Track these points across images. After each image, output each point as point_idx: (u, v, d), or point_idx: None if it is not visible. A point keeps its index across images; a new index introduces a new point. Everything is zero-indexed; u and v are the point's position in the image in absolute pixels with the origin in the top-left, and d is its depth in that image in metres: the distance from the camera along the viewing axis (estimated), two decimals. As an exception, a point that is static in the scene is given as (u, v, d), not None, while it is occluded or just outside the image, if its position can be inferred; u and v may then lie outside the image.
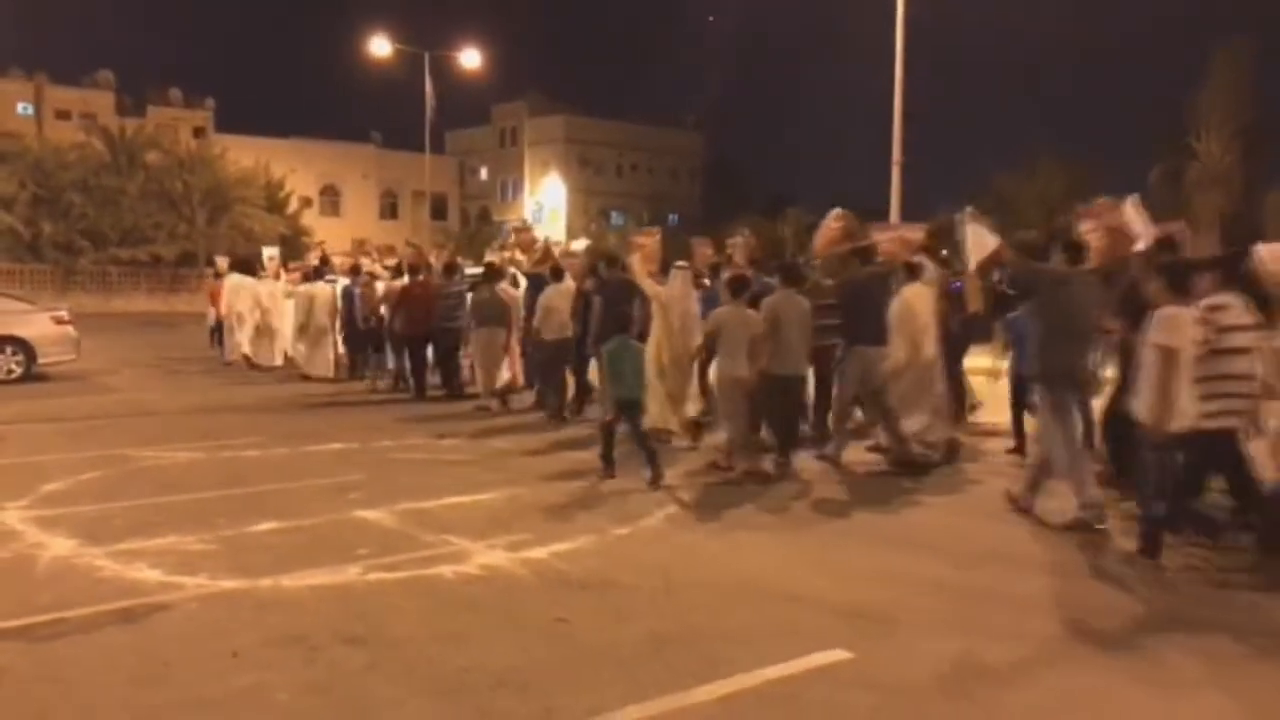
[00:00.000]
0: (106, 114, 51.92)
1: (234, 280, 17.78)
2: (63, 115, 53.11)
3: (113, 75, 56.63)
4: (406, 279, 13.92)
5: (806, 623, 4.87)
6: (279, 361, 16.84)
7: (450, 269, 13.77)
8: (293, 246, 40.02)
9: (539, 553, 6.01)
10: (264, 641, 4.60)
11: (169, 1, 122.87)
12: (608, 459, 8.22)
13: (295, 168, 54.40)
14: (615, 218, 64.95)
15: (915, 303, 8.83)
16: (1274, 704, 4.12)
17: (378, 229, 60.38)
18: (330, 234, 51.64)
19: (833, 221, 9.76)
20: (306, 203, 55.70)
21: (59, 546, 6.14)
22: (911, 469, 8.50)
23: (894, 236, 9.88)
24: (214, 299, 18.91)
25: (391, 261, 16.46)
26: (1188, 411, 5.63)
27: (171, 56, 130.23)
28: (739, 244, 11.28)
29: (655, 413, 9.54)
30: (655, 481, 7.84)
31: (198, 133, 54.67)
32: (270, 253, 19.14)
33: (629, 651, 4.49)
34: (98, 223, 41.70)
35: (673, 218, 64.37)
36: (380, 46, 40.47)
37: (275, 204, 48.19)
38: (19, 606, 5.02)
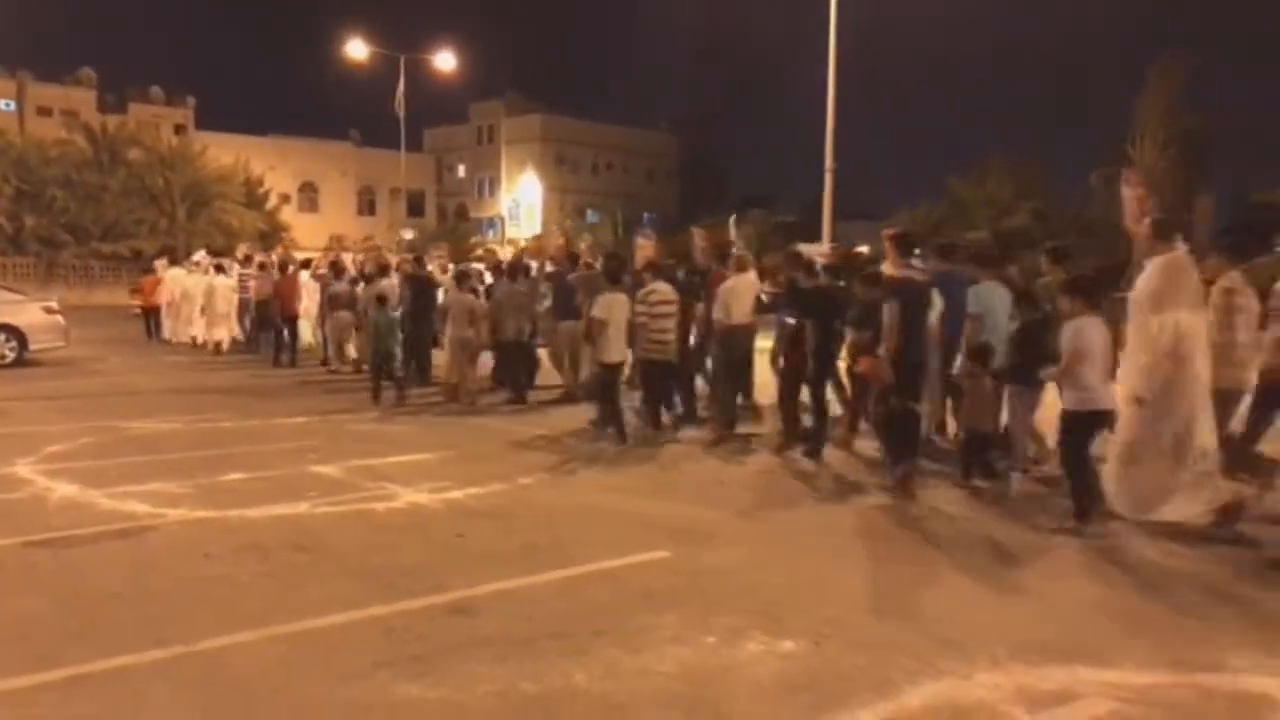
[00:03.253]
0: (88, 111, 52.95)
1: (170, 274, 22.03)
2: (45, 112, 54.14)
3: (94, 73, 57.61)
4: (277, 274, 17.56)
5: (646, 534, 6.35)
6: (195, 335, 20.11)
7: (335, 267, 16.65)
8: (270, 241, 41.41)
9: (455, 494, 7.48)
10: (230, 549, 6.04)
11: (151, 1, 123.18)
12: (376, 394, 12.31)
13: (274, 165, 55.61)
14: (591, 215, 66.27)
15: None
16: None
17: (355, 225, 61.51)
18: (308, 230, 52.91)
19: (558, 236, 14.14)
20: (285, 199, 56.85)
21: (65, 490, 7.55)
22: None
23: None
24: (144, 291, 23.27)
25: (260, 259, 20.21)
26: (622, 352, 9.80)
27: (153, 55, 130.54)
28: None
29: (443, 367, 13.45)
30: (400, 402, 12.18)
31: (179, 130, 55.72)
32: (198, 255, 22.98)
33: (506, 554, 5.97)
34: (80, 217, 42.83)
35: (648, 216, 65.91)
36: (357, 49, 41.77)
37: (254, 200, 49.38)
38: (39, 527, 6.45)
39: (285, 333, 17.06)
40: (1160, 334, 6.55)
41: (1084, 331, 6.55)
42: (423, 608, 5.00)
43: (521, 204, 66.28)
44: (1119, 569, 5.84)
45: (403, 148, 45.82)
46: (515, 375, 12.78)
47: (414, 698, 3.99)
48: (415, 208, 65.89)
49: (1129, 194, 8.08)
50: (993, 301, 8.12)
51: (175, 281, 21.39)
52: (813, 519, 7.04)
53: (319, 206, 63.30)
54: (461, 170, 71.77)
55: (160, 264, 23.75)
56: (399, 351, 13.23)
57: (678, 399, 10.84)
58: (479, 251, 32.65)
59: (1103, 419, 6.71)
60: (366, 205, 65.91)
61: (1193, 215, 33.96)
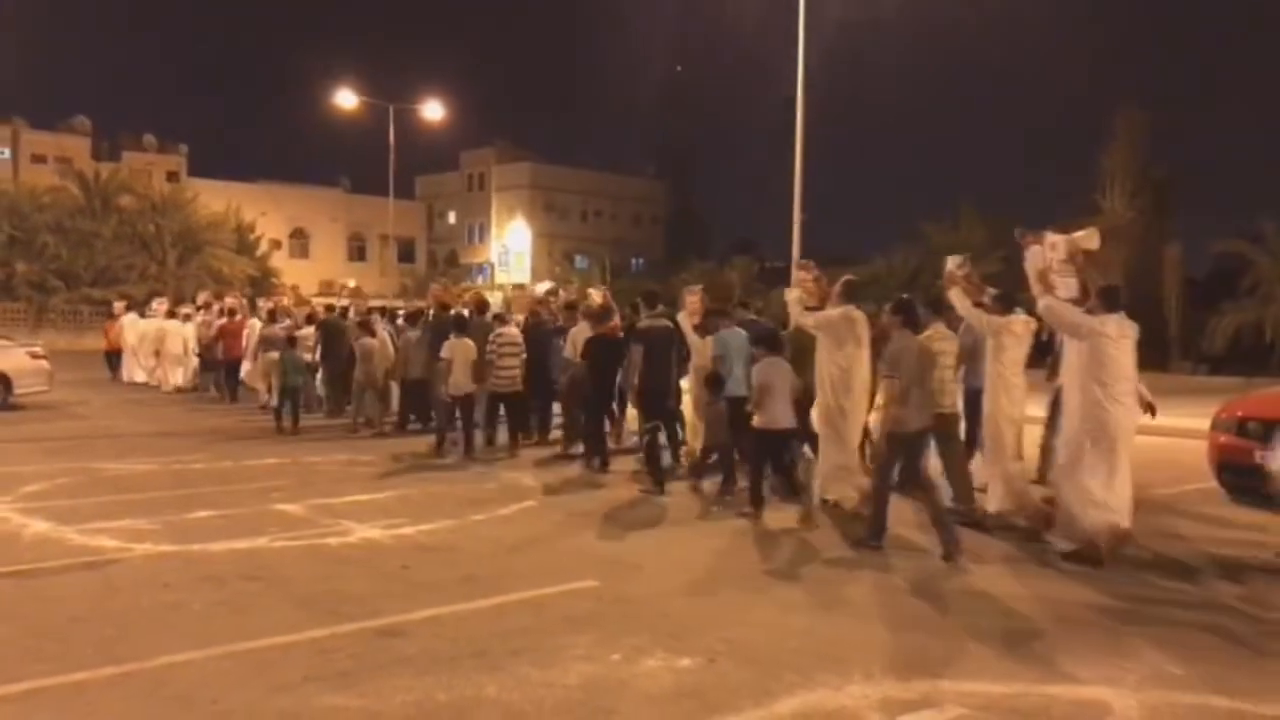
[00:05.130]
0: (82, 158, 53.75)
1: (128, 319, 23.19)
2: (39, 159, 54.96)
3: (89, 121, 58.52)
4: (224, 319, 18.84)
5: (579, 565, 6.82)
6: (144, 378, 21.66)
7: (273, 314, 17.80)
8: (261, 287, 42.07)
9: (407, 530, 7.94)
10: (188, 579, 6.49)
11: (147, 50, 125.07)
12: (279, 424, 14.00)
13: (266, 211, 56.30)
14: (579, 261, 67.12)
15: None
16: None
17: (346, 271, 62.23)
18: (299, 276, 53.52)
19: (436, 286, 17.69)
20: (276, 245, 57.49)
21: (38, 526, 7.99)
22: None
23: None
24: (106, 335, 24.49)
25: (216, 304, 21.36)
26: (468, 385, 11.80)
27: (148, 103, 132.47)
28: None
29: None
30: (294, 430, 13.87)
31: (171, 177, 56.51)
32: (156, 303, 24.06)
33: (446, 584, 6.43)
34: (71, 263, 43.34)
35: (637, 262, 66.82)
36: (347, 99, 42.76)
37: (245, 246, 49.98)
38: (10, 560, 6.89)
39: (228, 373, 18.50)
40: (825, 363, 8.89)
41: (766, 371, 8.36)
42: (357, 630, 5.45)
43: (511, 250, 67.17)
44: (996, 595, 6.33)
45: (391, 194, 46.71)
46: (420, 410, 14.39)
47: (337, 706, 4.44)
48: (406, 254, 66.72)
49: (805, 277, 9.91)
50: (730, 344, 9.94)
51: (132, 326, 22.73)
52: (734, 548, 7.52)
53: (310, 253, 63.98)
54: (452, 217, 72.70)
55: (119, 307, 25.15)
56: (305, 387, 14.99)
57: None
58: (465, 296, 33.54)
59: (785, 435, 8.48)
60: (357, 251, 66.65)
61: (1161, 263, 35.00)
